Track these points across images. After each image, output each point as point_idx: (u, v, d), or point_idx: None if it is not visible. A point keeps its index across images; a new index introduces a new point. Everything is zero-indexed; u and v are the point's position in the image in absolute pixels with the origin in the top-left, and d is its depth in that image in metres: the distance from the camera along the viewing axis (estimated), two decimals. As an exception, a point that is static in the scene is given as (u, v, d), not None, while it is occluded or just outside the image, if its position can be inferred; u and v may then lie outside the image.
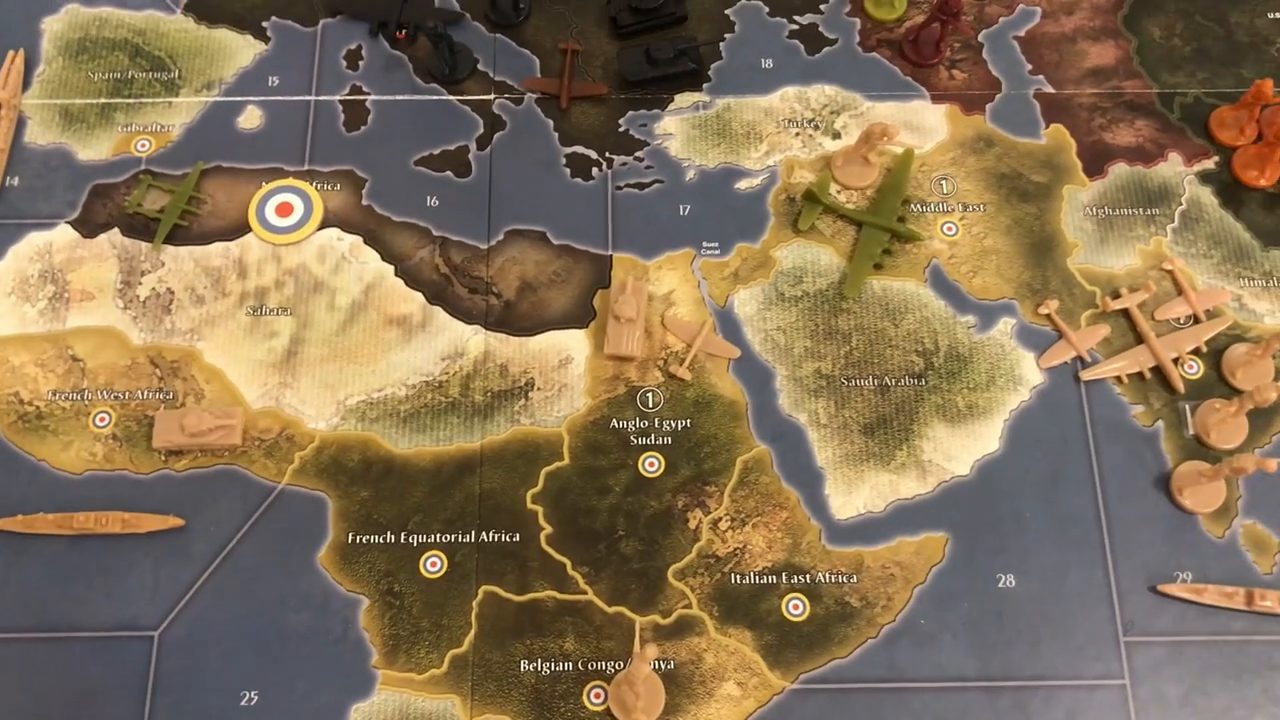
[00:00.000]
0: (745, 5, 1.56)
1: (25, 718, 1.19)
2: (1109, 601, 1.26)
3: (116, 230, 1.41)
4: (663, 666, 1.22)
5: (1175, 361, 1.35)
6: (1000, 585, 1.26)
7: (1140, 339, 1.36)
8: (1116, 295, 1.38)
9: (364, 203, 1.43)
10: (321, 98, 1.49)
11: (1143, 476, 1.31)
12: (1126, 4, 1.56)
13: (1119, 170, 1.46)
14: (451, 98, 1.49)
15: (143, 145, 1.45)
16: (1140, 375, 1.35)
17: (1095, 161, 1.46)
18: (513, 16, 1.52)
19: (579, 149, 1.47)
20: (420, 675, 1.21)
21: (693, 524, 1.28)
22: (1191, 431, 1.32)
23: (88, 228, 1.41)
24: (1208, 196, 1.44)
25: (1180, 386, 1.34)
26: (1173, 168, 1.46)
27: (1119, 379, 1.35)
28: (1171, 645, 1.23)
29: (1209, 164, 1.45)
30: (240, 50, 1.52)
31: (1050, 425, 1.33)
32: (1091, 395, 1.34)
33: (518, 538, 1.27)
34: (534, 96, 1.49)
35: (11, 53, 1.49)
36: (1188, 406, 1.33)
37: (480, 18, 1.53)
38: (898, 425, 1.32)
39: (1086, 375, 1.35)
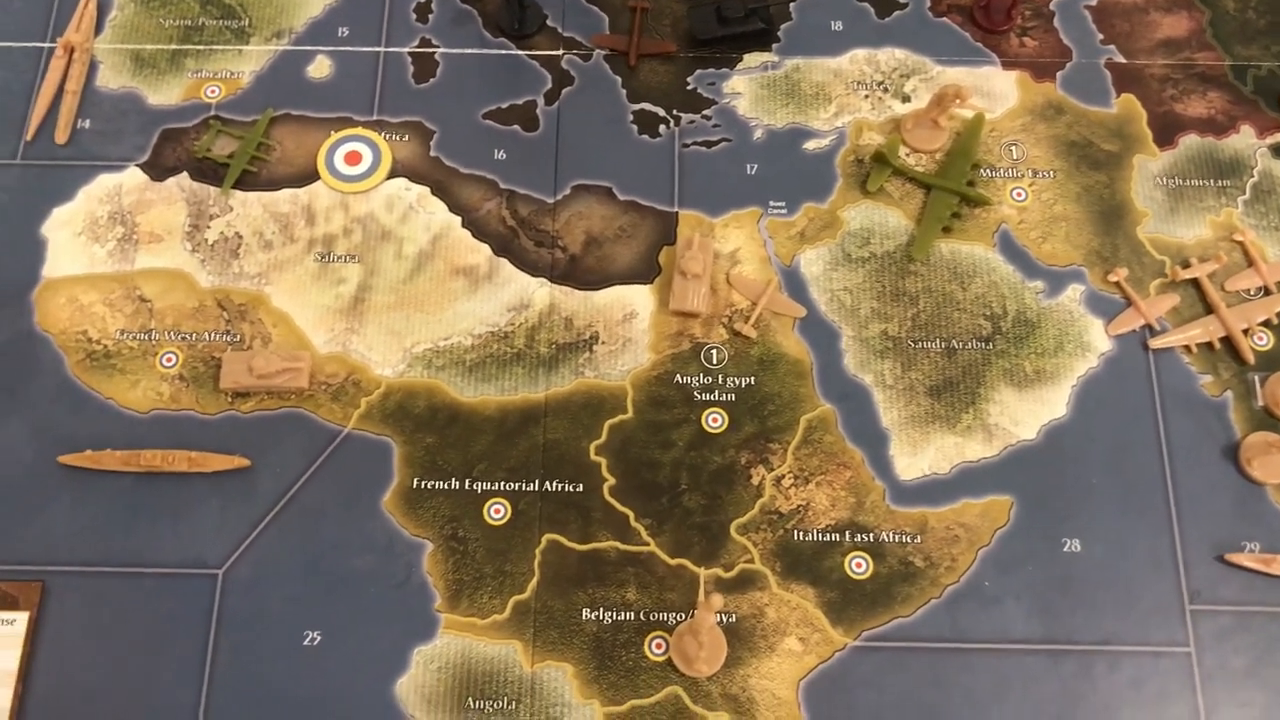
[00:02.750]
0: (816, -33, 1.55)
1: (91, 652, 1.20)
2: (1175, 569, 1.25)
3: (185, 174, 1.41)
4: (724, 620, 1.22)
5: (1245, 332, 1.34)
6: (1065, 550, 1.25)
7: (1210, 309, 1.35)
8: (1186, 265, 1.37)
9: (432, 154, 1.43)
10: (391, 49, 1.49)
11: (1210, 446, 1.30)
12: (1200, -25, 1.54)
13: (1190, 141, 1.44)
14: (520, 52, 1.49)
15: (212, 91, 1.46)
16: (1209, 345, 1.34)
17: (1166, 132, 1.45)
18: (583, -28, 1.52)
19: (646, 106, 1.46)
20: (483, 620, 1.22)
21: (755, 480, 1.28)
22: (1261, 403, 1.31)
23: (157, 171, 1.42)
24: (1280, 169, 1.43)
25: (1250, 357, 1.33)
26: (1244, 140, 1.45)
27: (1188, 348, 1.34)
28: (1238, 615, 1.22)
29: (1282, 137, 1.44)
30: (310, 0, 1.52)
31: (1118, 392, 1.32)
32: (1160, 364, 1.33)
33: (581, 488, 1.27)
34: (602, 53, 1.49)
35: (84, -3, 1.50)
36: (1257, 378, 1.32)
37: (551, -27, 1.53)
38: (964, 388, 1.31)
39: (1155, 343, 1.34)
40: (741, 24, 1.46)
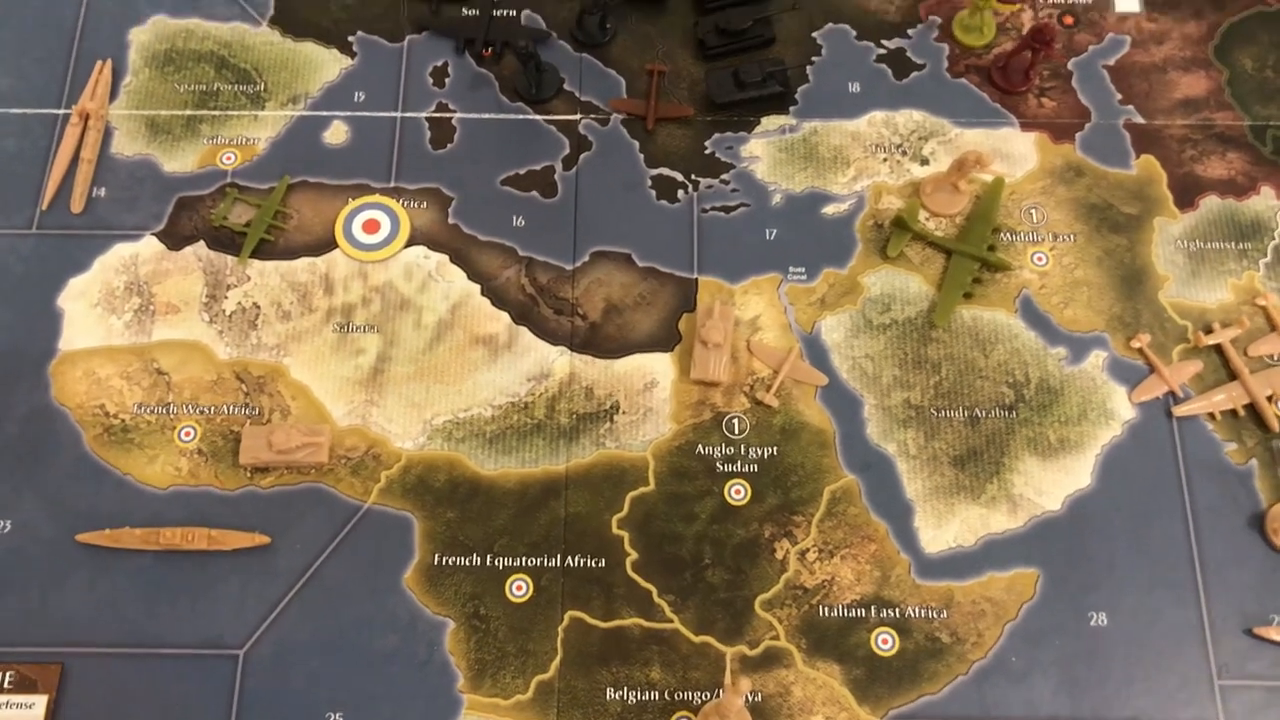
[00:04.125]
0: (832, 29, 1.55)
1: (111, 733, 1.19)
2: (1203, 643, 1.24)
3: (202, 243, 1.41)
4: (750, 699, 1.21)
5: (1269, 399, 1.33)
6: (1092, 623, 1.24)
7: (1233, 375, 1.34)
8: (1209, 330, 1.36)
9: (450, 221, 1.42)
10: (408, 114, 1.48)
11: (1236, 516, 1.29)
12: (1218, 34, 1.54)
13: (1210, 203, 1.44)
14: (537, 117, 1.49)
15: (228, 158, 1.45)
16: (1233, 412, 1.33)
17: (1186, 194, 1.44)
18: (599, 36, 1.51)
19: (664, 171, 1.46)
20: (506, 700, 1.21)
21: (780, 554, 1.27)
22: (1286, 471, 1.30)
23: (173, 240, 1.41)
24: (1301, 232, 1.42)
25: (1275, 424, 1.32)
26: (1265, 201, 1.44)
27: (1212, 415, 1.33)
28: (1268, 690, 1.22)
29: (1302, 198, 1.44)
30: (326, 64, 1.51)
31: (1142, 461, 1.31)
32: (1184, 431, 1.33)
33: (603, 563, 1.27)
34: (620, 117, 1.48)
35: (100, 63, 1.50)
36: (1282, 445, 1.32)
37: (566, 37, 1.52)
38: (988, 458, 1.31)
39: (1179, 411, 1.33)
40: (759, 88, 1.46)
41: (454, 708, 1.20)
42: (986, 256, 1.39)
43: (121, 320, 1.36)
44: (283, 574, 1.26)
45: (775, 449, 1.31)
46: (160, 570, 1.26)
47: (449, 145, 1.47)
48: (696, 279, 1.40)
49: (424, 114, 1.49)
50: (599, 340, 1.37)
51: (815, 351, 1.36)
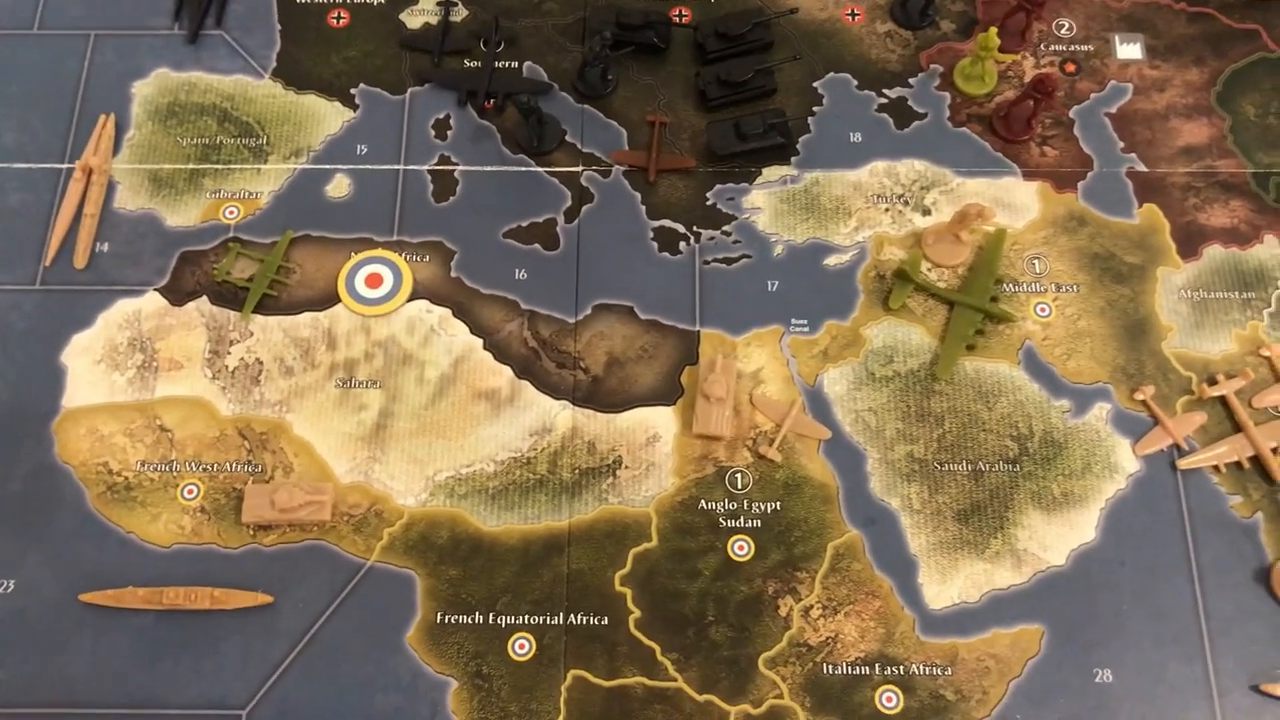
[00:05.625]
0: (834, 78, 1.55)
1: (113, 796, 1.19)
2: (1209, 699, 1.23)
3: (205, 298, 1.41)
4: (755, 758, 1.20)
5: (1274, 451, 1.32)
6: (1098, 680, 1.24)
7: (1238, 427, 1.34)
8: (1213, 381, 1.36)
9: (453, 274, 1.42)
10: (410, 167, 1.49)
11: (1242, 570, 1.28)
12: (1220, 81, 1.54)
13: (1213, 252, 1.44)
14: (540, 169, 1.49)
15: (231, 212, 1.46)
16: (1238, 464, 1.33)
17: (1189, 243, 1.44)
18: (601, 88, 1.52)
19: (666, 222, 1.46)
20: (509, 761, 1.20)
21: (783, 611, 1.26)
22: (1292, 524, 1.30)
23: (176, 295, 1.41)
24: (1305, 281, 1.42)
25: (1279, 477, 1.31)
26: (1269, 250, 1.44)
27: (1216, 468, 1.33)
28: (1276, 748, 1.21)
29: (1306, 247, 1.44)
30: (328, 117, 1.52)
31: (1147, 515, 1.31)
32: (1189, 484, 1.32)
33: (606, 620, 1.26)
34: (622, 169, 1.48)
35: (103, 117, 1.50)
36: (1288, 498, 1.31)
37: (568, 88, 1.53)
38: (992, 512, 1.30)
39: (1183, 464, 1.32)
40: (760, 139, 1.46)
41: (457, 769, 1.20)
42: (989, 308, 1.39)
43: (124, 377, 1.36)
44: (285, 633, 1.25)
45: (778, 504, 1.31)
46: (163, 630, 1.25)
47: (451, 198, 1.47)
48: (699, 331, 1.40)
49: (426, 166, 1.49)
50: (601, 394, 1.36)
51: (818, 404, 1.36)
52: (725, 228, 1.45)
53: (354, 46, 1.56)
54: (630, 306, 1.41)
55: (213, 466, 1.32)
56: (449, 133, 1.51)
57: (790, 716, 1.22)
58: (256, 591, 1.27)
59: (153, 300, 1.41)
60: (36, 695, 1.23)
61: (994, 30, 1.45)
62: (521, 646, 1.25)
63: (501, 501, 1.31)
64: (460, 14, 1.57)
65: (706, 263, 1.43)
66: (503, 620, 1.26)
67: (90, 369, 1.37)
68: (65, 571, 1.28)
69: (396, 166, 1.49)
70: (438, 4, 1.58)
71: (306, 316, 1.40)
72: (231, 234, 1.45)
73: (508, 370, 1.37)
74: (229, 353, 1.38)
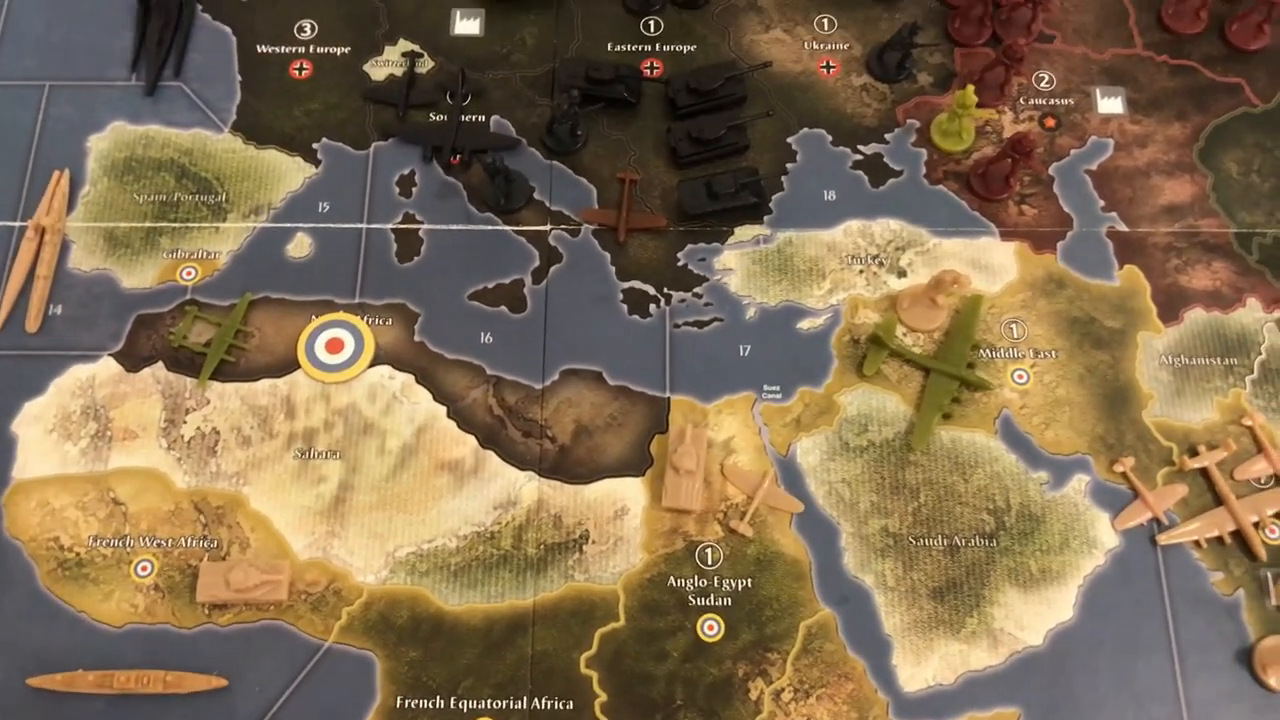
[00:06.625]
0: (808, 133, 1.51)
1: None
2: (1189, 786, 1.20)
3: (161, 364, 1.37)
4: None
5: (1256, 525, 1.30)
6: (1075, 767, 1.21)
7: (1219, 500, 1.31)
8: (1194, 453, 1.33)
9: (416, 339, 1.39)
10: (374, 226, 1.45)
11: (1223, 651, 1.26)
12: (1202, 137, 1.51)
13: (1195, 316, 1.41)
14: (507, 228, 1.45)
15: (189, 273, 1.42)
16: (1220, 539, 1.30)
17: (1171, 306, 1.41)
18: (570, 143, 1.48)
19: (636, 284, 1.42)
20: None
21: (754, 694, 1.23)
22: (1275, 602, 1.27)
23: (131, 361, 1.37)
24: (1289, 346, 1.39)
25: (1262, 553, 1.29)
26: (1251, 314, 1.41)
27: (1197, 543, 1.30)
28: (1257, 838, 1.18)
29: (1290, 311, 1.41)
30: (290, 173, 1.48)
31: (1126, 592, 1.28)
32: (1169, 560, 1.29)
33: (571, 705, 1.23)
34: (591, 227, 1.45)
35: (57, 173, 1.46)
36: (1269, 574, 1.28)
37: (536, 144, 1.49)
38: (968, 590, 1.27)
39: (1164, 539, 1.30)
40: (732, 199, 1.42)
41: None
42: (966, 375, 1.35)
43: (77, 447, 1.32)
44: (241, 718, 1.22)
45: (750, 580, 1.28)
46: (114, 715, 1.22)
47: (415, 258, 1.43)
48: (669, 398, 1.36)
49: (390, 225, 1.45)
50: (568, 464, 1.33)
51: (790, 475, 1.32)
52: (697, 289, 1.42)
53: (316, 99, 1.51)
54: (599, 372, 1.37)
55: (167, 542, 1.28)
56: (414, 189, 1.47)
57: (760, 806, 1.19)
58: (210, 675, 1.23)
59: (107, 366, 1.37)
60: (-18, 785, 1.19)
61: (971, 88, 1.41)
62: (484, 732, 1.21)
63: (464, 579, 1.27)
64: (426, 65, 1.53)
65: (677, 326, 1.40)
66: (465, 705, 1.23)
67: (42, 438, 1.33)
68: (13, 654, 1.24)
69: (360, 225, 1.45)
70: (403, 55, 1.53)
71: (265, 383, 1.36)
72: (189, 296, 1.41)
73: (472, 440, 1.34)
74: (185, 422, 1.34)
